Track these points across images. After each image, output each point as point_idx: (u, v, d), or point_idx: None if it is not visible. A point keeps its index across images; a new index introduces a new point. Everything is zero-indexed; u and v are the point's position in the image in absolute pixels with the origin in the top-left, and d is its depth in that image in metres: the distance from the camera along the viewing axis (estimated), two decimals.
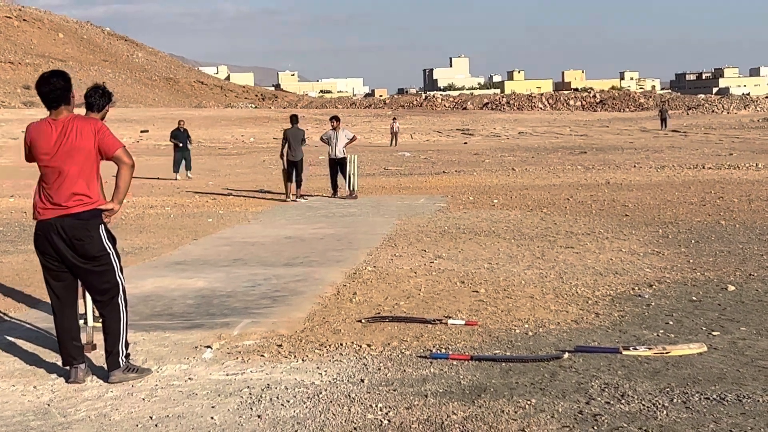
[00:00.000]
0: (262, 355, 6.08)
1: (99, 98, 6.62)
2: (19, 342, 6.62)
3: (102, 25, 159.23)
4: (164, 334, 6.73)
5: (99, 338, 6.19)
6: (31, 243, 12.25)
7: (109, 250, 5.52)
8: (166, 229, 13.43)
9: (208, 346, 6.32)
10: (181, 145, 26.38)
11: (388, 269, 9.41)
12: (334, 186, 19.13)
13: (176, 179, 25.48)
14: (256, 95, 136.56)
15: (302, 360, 5.96)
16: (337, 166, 19.06)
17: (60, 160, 5.38)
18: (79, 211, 5.39)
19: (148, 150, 41.95)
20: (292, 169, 18.42)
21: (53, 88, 5.46)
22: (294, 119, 19.13)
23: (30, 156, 5.57)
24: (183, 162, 26.39)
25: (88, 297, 6.07)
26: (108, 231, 5.57)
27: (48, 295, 5.67)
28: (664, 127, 56.99)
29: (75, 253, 5.42)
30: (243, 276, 9.19)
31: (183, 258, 10.58)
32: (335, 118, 19.66)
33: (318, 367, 5.77)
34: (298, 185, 18.52)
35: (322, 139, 19.74)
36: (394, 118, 50.60)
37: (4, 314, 7.63)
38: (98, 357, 6.01)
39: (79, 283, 5.73)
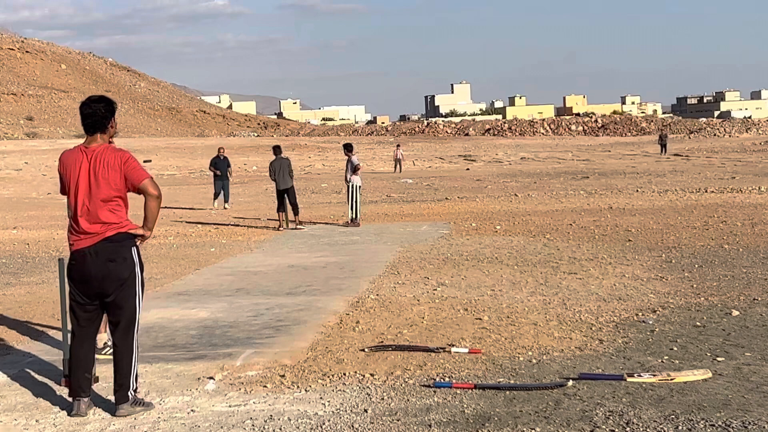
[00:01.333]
0: (265, 386, 6.05)
1: None
2: (22, 375, 6.60)
3: (104, 55, 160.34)
4: (167, 365, 6.71)
5: (101, 371, 6.18)
6: (33, 275, 12.20)
7: (137, 277, 5.56)
8: (168, 259, 13.42)
9: (211, 378, 6.30)
10: (219, 173, 25.76)
11: (391, 297, 9.39)
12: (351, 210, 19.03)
13: (213, 207, 24.87)
14: (259, 124, 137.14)
15: (305, 390, 5.93)
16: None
17: (88, 190, 5.44)
18: (111, 234, 5.45)
19: None
20: (283, 198, 18.48)
21: (91, 112, 5.54)
22: (277, 150, 19.31)
23: (64, 188, 5.60)
24: (222, 192, 25.66)
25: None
26: (140, 256, 5.60)
27: (70, 322, 5.66)
28: (663, 152, 56.78)
29: (106, 278, 5.42)
30: (245, 306, 9.17)
31: (185, 288, 10.57)
32: (344, 147, 19.77)
33: (321, 398, 5.74)
34: (295, 212, 18.56)
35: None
36: (398, 145, 50.69)
37: (7, 347, 7.61)
38: (101, 389, 5.99)
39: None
